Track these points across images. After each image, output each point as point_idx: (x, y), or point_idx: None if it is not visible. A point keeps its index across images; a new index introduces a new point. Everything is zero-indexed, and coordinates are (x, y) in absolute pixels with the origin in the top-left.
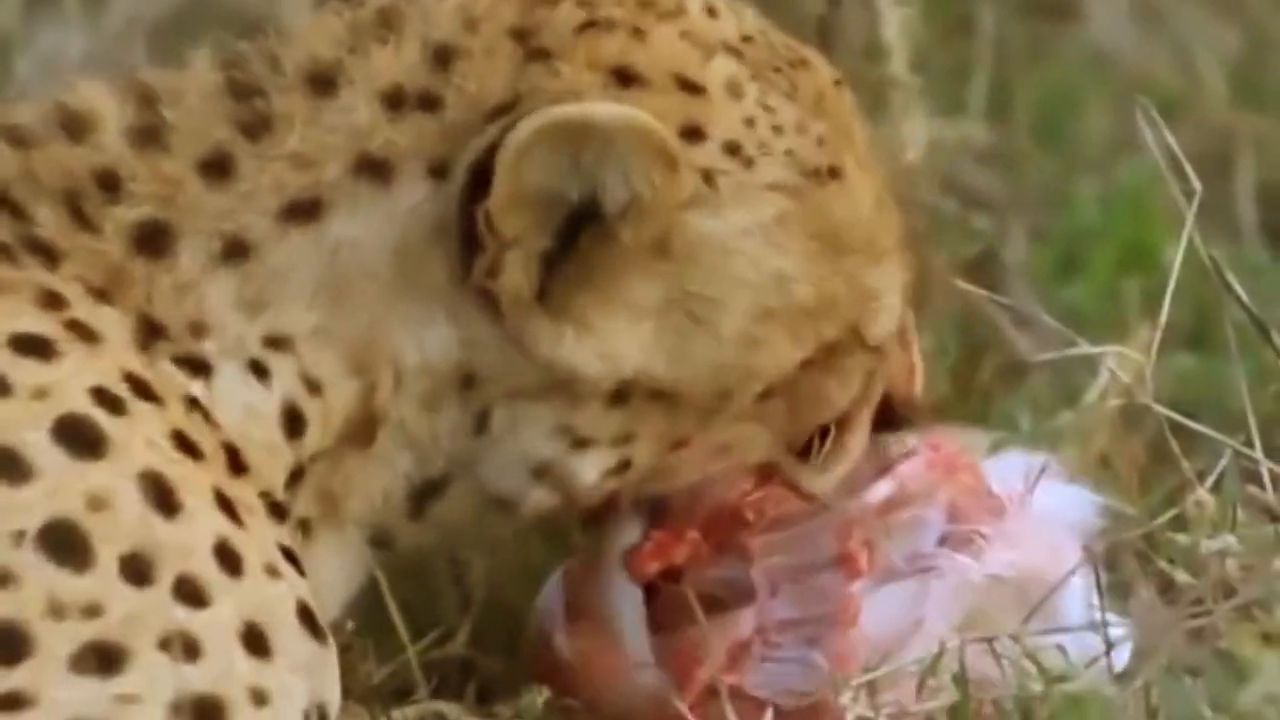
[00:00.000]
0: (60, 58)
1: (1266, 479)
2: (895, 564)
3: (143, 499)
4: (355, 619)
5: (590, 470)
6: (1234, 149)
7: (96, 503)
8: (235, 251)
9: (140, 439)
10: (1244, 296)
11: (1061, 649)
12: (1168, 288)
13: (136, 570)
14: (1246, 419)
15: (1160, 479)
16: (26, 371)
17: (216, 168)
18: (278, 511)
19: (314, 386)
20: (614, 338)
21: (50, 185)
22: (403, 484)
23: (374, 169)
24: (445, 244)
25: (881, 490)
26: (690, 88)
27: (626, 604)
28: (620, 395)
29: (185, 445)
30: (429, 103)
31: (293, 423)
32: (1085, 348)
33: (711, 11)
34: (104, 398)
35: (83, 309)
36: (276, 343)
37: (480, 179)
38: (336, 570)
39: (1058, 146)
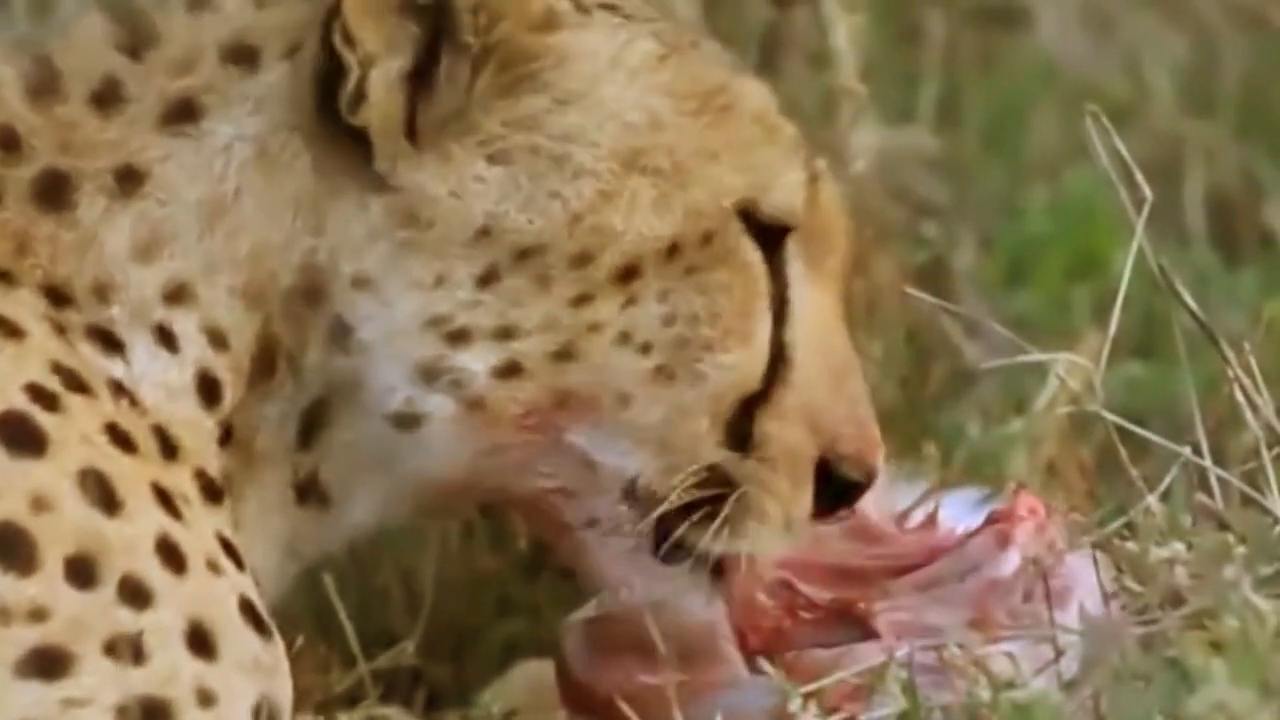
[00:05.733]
0: None
1: (1215, 486)
2: (999, 619)
3: (84, 498)
4: (305, 625)
5: (477, 363)
6: (1183, 156)
7: (40, 503)
8: (128, 182)
9: (77, 435)
10: (1193, 304)
11: (1010, 656)
12: (1117, 295)
13: (81, 572)
14: (1195, 426)
15: (1109, 486)
16: None
17: (106, 96)
18: (213, 493)
19: (219, 340)
20: (468, 171)
21: None
22: (292, 410)
23: (242, 55)
24: (298, 126)
25: (1012, 562)
26: None
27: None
28: (489, 273)
29: (119, 438)
30: None
31: (208, 390)
32: (1034, 355)
33: None
34: (39, 394)
35: (1, 302)
36: (177, 295)
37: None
38: (262, 532)
39: (1007, 154)
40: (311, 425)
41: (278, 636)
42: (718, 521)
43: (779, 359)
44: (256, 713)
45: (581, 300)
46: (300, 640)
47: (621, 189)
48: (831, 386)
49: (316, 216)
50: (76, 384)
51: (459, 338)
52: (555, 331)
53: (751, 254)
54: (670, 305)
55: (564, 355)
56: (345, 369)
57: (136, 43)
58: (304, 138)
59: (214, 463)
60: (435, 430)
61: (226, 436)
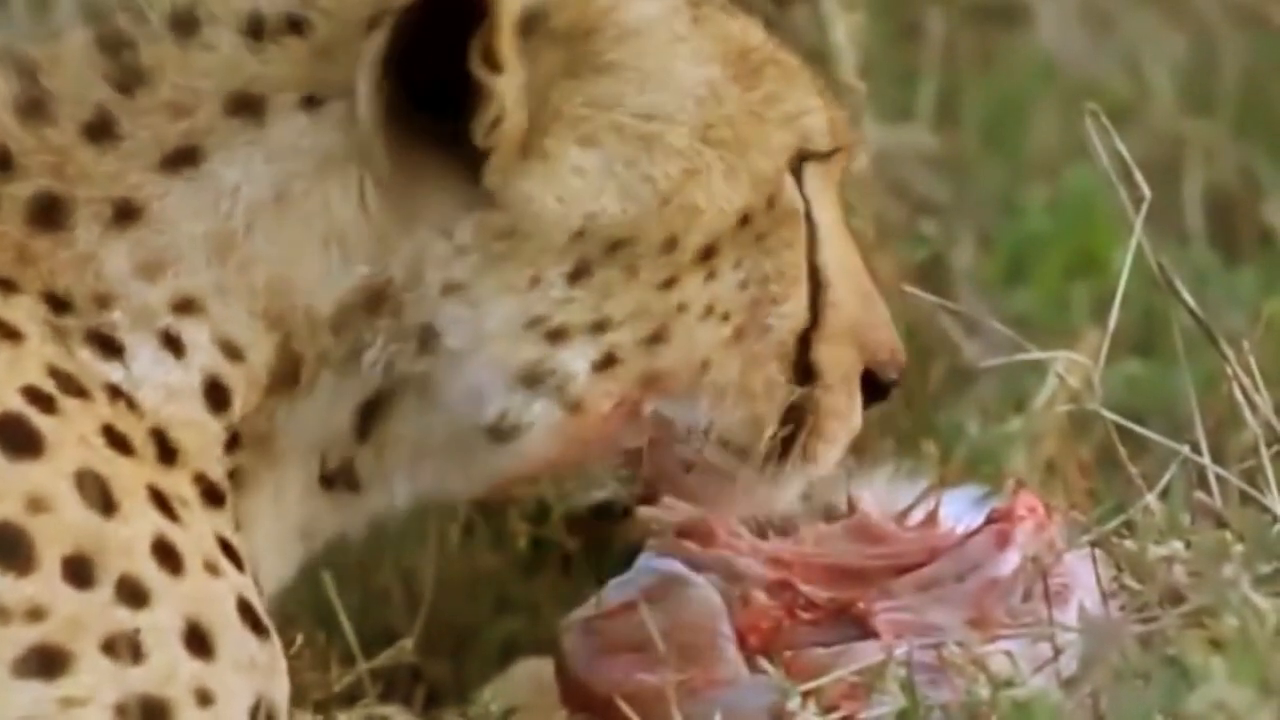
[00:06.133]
0: None
1: (1214, 485)
2: (999, 618)
3: (81, 499)
4: (305, 623)
5: (578, 360)
6: (1182, 156)
7: (37, 504)
8: (125, 215)
9: (73, 437)
10: (1192, 303)
11: (1009, 655)
12: (1116, 294)
13: (79, 572)
14: (1195, 425)
15: (1108, 484)
16: None
17: (100, 130)
18: (214, 496)
19: (234, 353)
20: (566, 166)
21: None
22: (341, 405)
23: (246, 106)
24: (335, 176)
25: (1012, 561)
26: None
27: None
28: (579, 268)
29: (116, 440)
30: (296, 25)
31: (216, 396)
32: (1034, 353)
33: None
34: (36, 396)
35: (1, 307)
36: (185, 306)
37: (393, 72)
38: (275, 520)
39: (1006, 152)
40: (369, 417)
41: (275, 637)
42: (797, 449)
43: (817, 283)
44: (254, 712)
45: (669, 283)
46: (299, 638)
47: (701, 165)
48: (860, 296)
49: (374, 246)
50: (73, 388)
51: (558, 336)
52: (646, 317)
53: (798, 202)
54: (744, 271)
55: (655, 339)
56: (420, 371)
57: (126, 77)
58: (357, 177)
59: (217, 466)
60: (532, 437)
61: (235, 440)
